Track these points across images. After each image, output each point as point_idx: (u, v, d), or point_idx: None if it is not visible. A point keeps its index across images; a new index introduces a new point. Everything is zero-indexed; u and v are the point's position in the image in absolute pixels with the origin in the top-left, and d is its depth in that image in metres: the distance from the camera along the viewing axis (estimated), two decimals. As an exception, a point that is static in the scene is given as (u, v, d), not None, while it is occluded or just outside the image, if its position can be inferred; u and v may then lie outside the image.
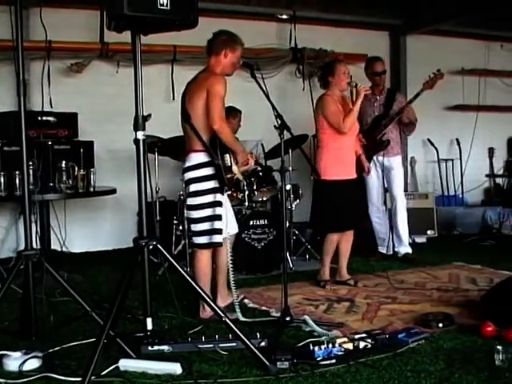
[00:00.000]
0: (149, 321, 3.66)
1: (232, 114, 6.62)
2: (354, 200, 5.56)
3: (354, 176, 5.55)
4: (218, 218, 4.44)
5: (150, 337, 3.68)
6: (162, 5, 3.31)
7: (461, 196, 9.50)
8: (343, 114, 5.36)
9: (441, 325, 4.12)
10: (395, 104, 6.57)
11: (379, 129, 6.49)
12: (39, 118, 6.26)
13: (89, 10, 7.25)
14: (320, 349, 3.48)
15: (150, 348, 3.67)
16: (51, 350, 3.71)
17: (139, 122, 3.53)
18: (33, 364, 3.48)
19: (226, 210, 4.52)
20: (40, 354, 3.57)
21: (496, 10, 7.83)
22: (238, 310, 4.42)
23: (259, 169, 6.24)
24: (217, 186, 4.40)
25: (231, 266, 4.47)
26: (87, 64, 7.40)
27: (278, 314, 4.33)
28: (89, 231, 7.52)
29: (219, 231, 4.45)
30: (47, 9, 6.51)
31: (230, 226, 4.56)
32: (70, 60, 7.31)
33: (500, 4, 7.59)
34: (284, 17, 8.30)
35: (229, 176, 4.40)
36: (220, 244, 4.48)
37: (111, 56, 7.41)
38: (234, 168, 4.48)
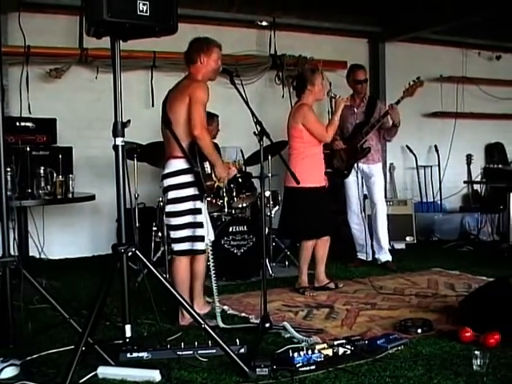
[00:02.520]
0: (127, 328, 3.64)
1: (208, 119, 6.62)
2: (328, 206, 5.62)
3: (325, 183, 5.60)
4: (200, 225, 4.43)
5: (128, 344, 3.67)
6: (142, 11, 3.32)
7: (439, 202, 9.56)
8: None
9: (419, 330, 4.15)
10: (376, 111, 6.59)
11: (360, 136, 6.52)
12: (17, 124, 6.24)
13: (68, 16, 7.22)
14: (299, 355, 3.48)
15: (128, 355, 3.65)
16: (29, 358, 3.67)
17: (118, 128, 3.52)
18: (10, 372, 3.45)
19: (205, 217, 4.51)
20: (18, 362, 3.54)
21: (473, 18, 7.92)
22: (219, 316, 4.41)
23: (239, 175, 6.24)
24: (196, 193, 4.39)
25: (213, 272, 4.46)
26: (66, 70, 7.37)
27: (258, 321, 4.33)
28: (67, 238, 7.47)
29: (201, 238, 4.45)
30: (26, 14, 6.48)
31: (209, 233, 4.56)
32: (48, 65, 7.27)
33: (477, 12, 7.68)
34: (264, 23, 8.32)
35: (208, 183, 4.39)
36: (203, 251, 4.48)
37: (90, 62, 7.38)
38: (214, 176, 4.47)
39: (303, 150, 5.47)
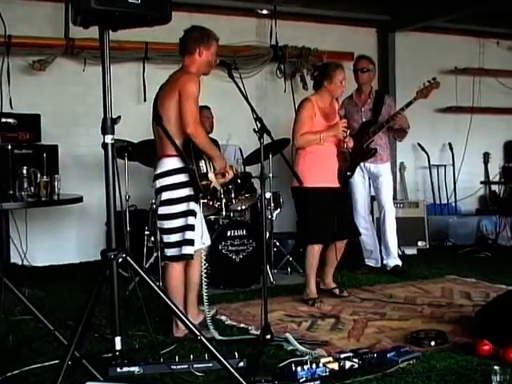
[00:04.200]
0: (117, 340, 3.63)
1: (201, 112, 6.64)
2: (336, 210, 5.56)
3: (336, 185, 5.60)
4: (191, 228, 4.43)
5: (118, 357, 3.65)
6: (133, -2, 3.31)
7: (454, 204, 9.56)
8: (312, 125, 5.45)
9: (433, 343, 4.14)
10: (384, 108, 6.59)
11: (367, 136, 6.51)
12: (-2, 120, 6.23)
13: (52, 3, 7.23)
14: (303, 369, 3.48)
15: (118, 370, 3.64)
16: (9, 374, 3.67)
17: (108, 125, 3.51)
18: (-10, 388, 3.45)
19: (200, 220, 4.51)
20: (-2, 378, 3.54)
21: (491, 4, 7.91)
22: (212, 328, 4.41)
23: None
24: (191, 193, 4.40)
25: (205, 280, 4.47)
26: (51, 61, 7.36)
27: (258, 332, 4.33)
28: (52, 243, 7.47)
29: (190, 242, 4.44)
30: (7, 0, 6.47)
31: (203, 237, 4.56)
32: (32, 57, 7.27)
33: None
34: (264, 12, 8.32)
35: (204, 183, 4.39)
36: (191, 256, 4.47)
37: (77, 53, 7.38)
38: (211, 175, 4.47)
39: (305, 147, 5.49)
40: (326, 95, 5.56)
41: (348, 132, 5.55)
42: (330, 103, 5.61)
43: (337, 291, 5.69)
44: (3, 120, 6.25)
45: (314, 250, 5.55)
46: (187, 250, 4.45)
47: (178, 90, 4.33)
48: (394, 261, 6.73)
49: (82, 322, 3.40)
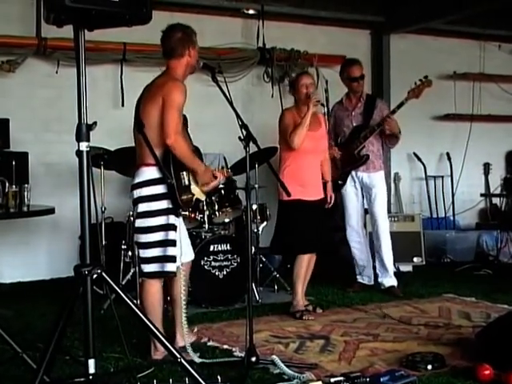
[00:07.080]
0: (91, 363, 3.60)
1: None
2: (316, 223, 5.74)
3: (318, 197, 5.76)
4: (172, 243, 4.42)
5: (92, 382, 3.64)
6: (110, -5, 3.30)
7: (452, 218, 9.59)
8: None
9: (430, 367, 4.14)
10: (376, 112, 6.61)
11: (358, 141, 6.52)
12: (-37, 126, 6.21)
13: (23, -1, 7.23)
14: (291, 394, 3.48)
15: (92, 395, 3.63)
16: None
17: (82, 131, 3.50)
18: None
19: (181, 234, 4.50)
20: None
21: (493, 5, 7.94)
22: (190, 350, 4.39)
23: (221, 186, 6.23)
24: (170, 206, 4.39)
25: (184, 299, 4.45)
26: (21, 62, 7.34)
27: (242, 354, 4.33)
28: (21, 258, 7.42)
29: (172, 258, 4.43)
30: (-27, -3, 6.48)
31: (184, 252, 4.55)
32: (0, 57, 7.24)
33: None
34: (251, 12, 8.34)
35: (184, 197, 4.38)
36: (173, 273, 4.47)
37: (50, 54, 7.36)
38: (194, 187, 4.46)
39: (285, 160, 5.71)
40: (302, 106, 5.70)
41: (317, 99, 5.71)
42: (314, 114, 5.69)
43: (310, 308, 5.78)
44: (-31, 125, 6.24)
45: (303, 260, 5.68)
46: (169, 266, 4.43)
47: (162, 96, 4.32)
48: (389, 280, 6.72)
49: (52, 343, 3.38)
